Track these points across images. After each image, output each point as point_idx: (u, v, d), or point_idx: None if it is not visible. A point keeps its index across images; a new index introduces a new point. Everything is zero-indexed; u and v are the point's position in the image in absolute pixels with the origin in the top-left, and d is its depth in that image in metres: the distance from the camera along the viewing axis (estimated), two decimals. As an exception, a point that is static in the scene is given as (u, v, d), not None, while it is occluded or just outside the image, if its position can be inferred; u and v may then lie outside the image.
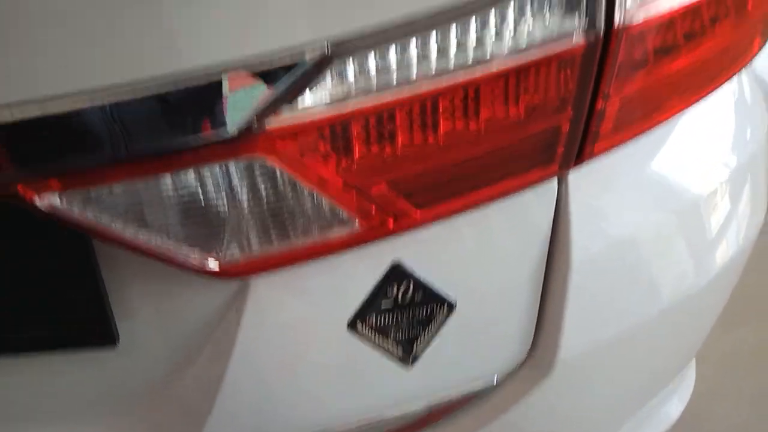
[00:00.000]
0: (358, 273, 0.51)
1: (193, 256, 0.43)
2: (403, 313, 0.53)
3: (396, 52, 0.38)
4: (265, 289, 0.49)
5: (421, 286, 0.52)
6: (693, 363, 0.88)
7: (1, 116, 0.31)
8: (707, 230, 0.68)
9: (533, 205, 0.54)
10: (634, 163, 0.60)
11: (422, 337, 0.54)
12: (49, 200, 0.36)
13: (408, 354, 0.54)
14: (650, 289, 0.60)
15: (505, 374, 0.59)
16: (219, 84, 0.35)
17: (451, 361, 0.55)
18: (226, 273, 0.45)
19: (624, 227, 0.59)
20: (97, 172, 0.36)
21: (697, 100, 0.59)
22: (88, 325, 0.46)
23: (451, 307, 0.53)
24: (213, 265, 0.44)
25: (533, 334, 0.58)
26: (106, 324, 0.46)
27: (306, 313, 0.50)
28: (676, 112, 0.57)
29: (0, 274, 0.46)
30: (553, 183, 0.53)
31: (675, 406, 0.86)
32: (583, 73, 0.46)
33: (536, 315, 0.57)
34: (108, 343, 0.47)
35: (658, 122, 0.55)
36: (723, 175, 0.68)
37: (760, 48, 0.66)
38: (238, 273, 0.45)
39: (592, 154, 0.52)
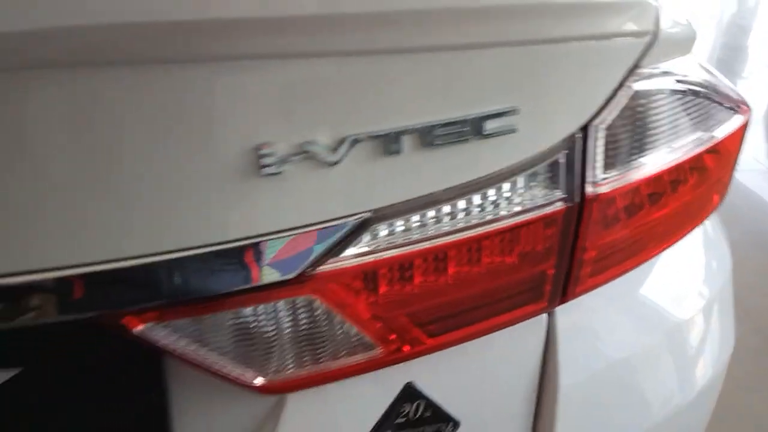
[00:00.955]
0: (376, 392, 0.59)
1: (245, 375, 0.52)
2: (415, 430, 0.60)
3: (417, 217, 0.50)
4: (298, 403, 0.57)
5: (430, 405, 0.60)
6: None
7: (123, 264, 0.42)
8: (687, 353, 0.76)
9: (526, 335, 0.63)
10: (614, 297, 0.70)
11: (431, 452, 0.61)
12: (144, 329, 0.46)
13: (417, 470, 0.60)
14: (638, 408, 0.68)
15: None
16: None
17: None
18: (269, 389, 0.53)
19: (609, 351, 0.68)
20: (183, 308, 0.46)
21: (666, 247, 0.70)
22: (147, 432, 0.54)
23: (456, 425, 0.61)
24: (259, 382, 0.52)
25: (529, 452, 0.65)
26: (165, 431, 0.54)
27: (331, 426, 0.58)
28: (648, 258, 0.68)
29: (74, 387, 0.54)
30: (544, 316, 0.62)
31: None
32: (564, 231, 0.57)
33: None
34: (162, 451, 0.54)
35: (632, 266, 0.66)
36: (698, 304, 0.78)
37: (719, 203, 0.78)
38: (278, 390, 0.54)
39: (575, 294, 0.62)
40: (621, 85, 0.56)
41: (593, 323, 0.69)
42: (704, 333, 0.80)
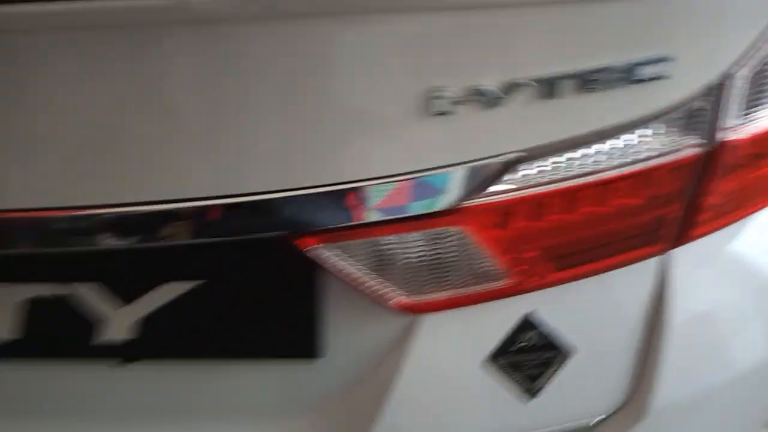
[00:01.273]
0: (498, 319, 0.64)
1: (390, 294, 0.58)
2: (531, 354, 0.66)
3: (559, 158, 0.53)
4: (429, 324, 0.63)
5: (547, 334, 0.65)
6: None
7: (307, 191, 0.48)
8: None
9: (642, 273, 0.67)
10: (722, 244, 0.73)
11: (543, 376, 0.66)
12: (313, 249, 0.52)
13: (530, 389, 0.66)
14: (741, 348, 0.71)
15: (602, 417, 0.70)
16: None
17: (561, 400, 0.67)
18: (408, 308, 0.59)
19: (714, 295, 0.71)
20: (348, 232, 0.52)
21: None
22: (302, 340, 0.61)
23: (568, 352, 0.66)
24: (401, 301, 0.59)
25: (632, 382, 0.69)
26: (317, 340, 0.61)
27: (457, 345, 0.64)
28: (762, 207, 0.70)
29: (238, 294, 0.61)
30: (661, 257, 0.66)
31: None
32: (692, 176, 0.59)
33: (636, 366, 0.69)
34: (315, 356, 0.62)
35: (747, 214, 0.68)
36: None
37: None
38: (415, 310, 0.60)
39: (691, 238, 0.65)
40: (762, 35, 0.57)
41: (702, 267, 0.72)
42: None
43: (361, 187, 0.49)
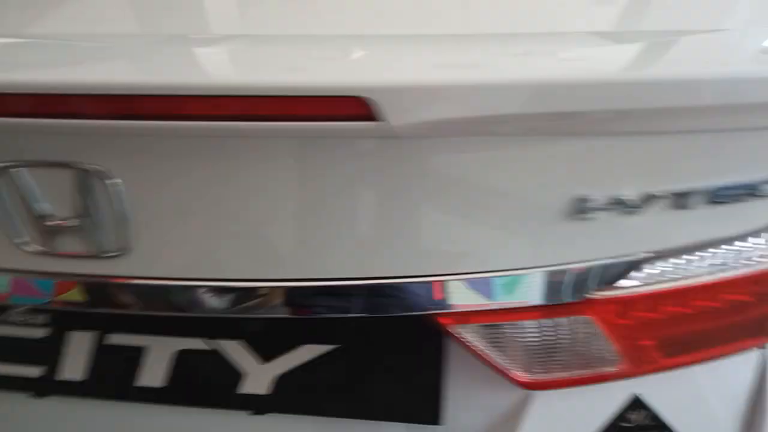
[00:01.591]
0: (609, 397, 0.69)
1: (516, 372, 0.63)
2: (636, 436, 0.69)
3: (682, 260, 0.59)
4: (544, 399, 0.68)
5: (653, 416, 0.69)
6: None
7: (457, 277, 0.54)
8: None
9: (742, 364, 0.71)
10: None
11: (647, 456, 0.70)
12: (455, 327, 0.58)
13: (633, 468, 0.70)
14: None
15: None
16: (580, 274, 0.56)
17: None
18: (529, 386, 0.64)
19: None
20: (487, 315, 0.58)
21: None
22: (425, 407, 0.67)
23: (670, 434, 0.70)
24: (525, 378, 0.64)
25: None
26: (435, 409, 0.66)
27: (567, 421, 0.69)
28: None
29: (369, 359, 0.67)
30: (763, 349, 0.69)
31: None
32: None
33: (737, 452, 0.72)
34: (436, 422, 0.67)
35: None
36: None
37: None
38: (536, 387, 0.65)
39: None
40: None
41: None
42: None
43: (506, 275, 0.55)
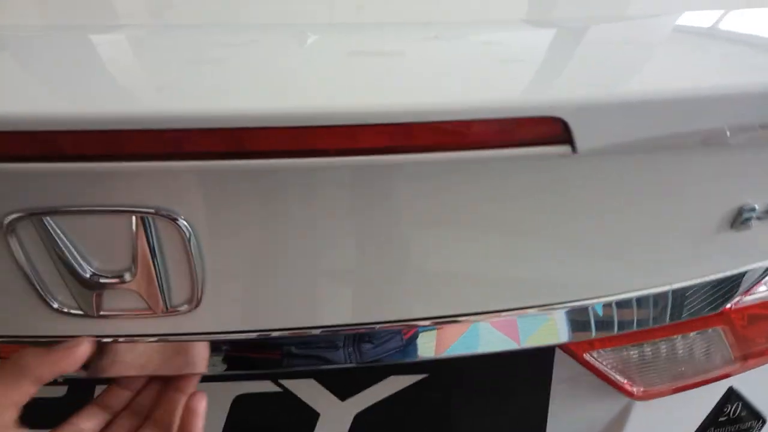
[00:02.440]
0: (705, 395, 0.65)
1: (629, 385, 0.58)
2: (731, 427, 0.67)
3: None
4: (644, 405, 0.63)
5: (746, 405, 0.67)
6: None
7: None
8: None
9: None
10: None
11: (742, 446, 0.68)
12: (590, 354, 0.52)
13: (730, 460, 0.68)
14: None
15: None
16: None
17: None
18: (641, 397, 0.60)
19: None
20: (616, 338, 0.52)
21: None
22: (526, 430, 0.61)
23: (765, 422, 0.68)
24: (639, 391, 0.59)
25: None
26: (541, 430, 0.61)
27: (668, 421, 0.65)
28: None
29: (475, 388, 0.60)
30: None
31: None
32: None
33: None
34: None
35: None
36: None
37: None
38: (647, 397, 0.60)
39: None
40: None
41: None
42: None
43: (656, 292, 0.49)
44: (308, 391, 0.60)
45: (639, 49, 0.47)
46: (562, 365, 0.59)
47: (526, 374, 0.60)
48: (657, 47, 0.47)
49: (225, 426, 0.61)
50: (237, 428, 0.61)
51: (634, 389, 0.59)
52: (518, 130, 0.34)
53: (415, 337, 0.50)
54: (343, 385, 0.60)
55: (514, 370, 0.59)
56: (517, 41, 0.48)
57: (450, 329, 0.49)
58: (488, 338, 0.50)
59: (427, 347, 0.50)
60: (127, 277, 0.43)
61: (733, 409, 0.67)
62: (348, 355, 0.50)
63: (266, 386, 0.59)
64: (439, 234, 0.43)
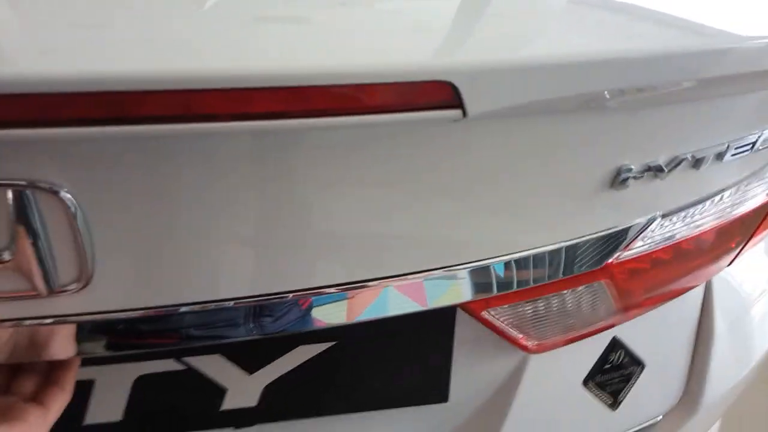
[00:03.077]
0: (594, 347, 0.71)
1: (524, 339, 0.62)
2: (615, 373, 0.73)
3: (682, 215, 0.60)
4: (538, 357, 0.68)
5: (628, 353, 0.73)
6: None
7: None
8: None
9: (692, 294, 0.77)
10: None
11: (624, 389, 0.74)
12: (486, 312, 0.54)
13: (614, 402, 0.74)
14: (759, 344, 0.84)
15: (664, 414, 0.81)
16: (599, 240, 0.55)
17: (636, 405, 0.76)
18: (535, 350, 0.64)
19: (749, 300, 0.83)
20: (514, 294, 0.55)
21: None
22: (431, 388, 0.63)
23: (643, 366, 0.75)
24: (531, 345, 0.63)
25: (685, 383, 0.80)
26: (445, 387, 0.63)
27: (560, 371, 0.70)
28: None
29: (381, 354, 0.62)
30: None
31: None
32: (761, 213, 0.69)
33: (688, 369, 0.79)
34: (441, 401, 0.64)
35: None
36: None
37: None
38: (542, 350, 0.64)
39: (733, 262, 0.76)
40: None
41: (739, 280, 0.84)
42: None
43: (541, 251, 0.52)
44: (214, 366, 0.59)
45: (530, 18, 0.50)
46: (463, 325, 0.61)
47: (430, 336, 0.62)
48: (545, 16, 0.49)
49: (127, 409, 0.58)
50: (140, 410, 0.59)
51: (529, 343, 0.62)
52: (410, 95, 0.35)
53: (323, 304, 0.50)
54: (250, 359, 0.59)
55: (418, 332, 0.61)
56: (419, 10, 0.49)
57: (358, 295, 0.50)
58: (396, 302, 0.51)
59: (337, 314, 0.51)
60: (6, 256, 0.40)
61: (616, 357, 0.73)
62: (251, 329, 0.49)
63: (169, 365, 0.58)
64: (340, 200, 0.43)
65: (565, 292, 0.58)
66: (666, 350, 0.77)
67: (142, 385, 0.58)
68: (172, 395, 0.60)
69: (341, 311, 0.50)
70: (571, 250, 0.54)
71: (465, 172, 0.44)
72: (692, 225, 0.62)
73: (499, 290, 0.53)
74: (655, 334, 0.76)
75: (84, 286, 0.43)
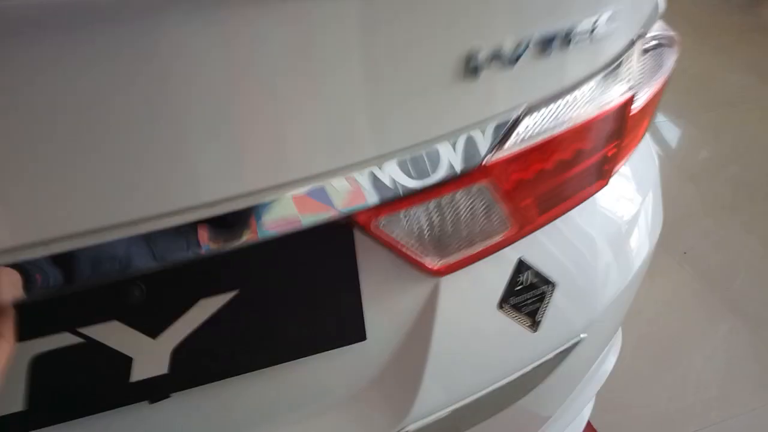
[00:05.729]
0: (498, 269, 0.73)
1: (427, 259, 0.63)
2: (527, 294, 0.75)
3: (552, 108, 0.63)
4: (448, 285, 0.69)
5: (536, 273, 0.75)
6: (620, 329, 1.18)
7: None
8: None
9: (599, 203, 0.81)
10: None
11: (539, 309, 0.76)
12: (374, 224, 0.56)
13: (533, 322, 0.76)
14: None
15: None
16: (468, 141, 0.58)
17: (557, 325, 0.78)
18: (439, 272, 0.65)
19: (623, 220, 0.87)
20: (397, 203, 0.57)
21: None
22: (347, 327, 0.63)
23: (554, 286, 0.77)
24: (435, 265, 0.64)
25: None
26: (360, 324, 0.64)
27: (472, 298, 0.71)
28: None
29: (278, 297, 0.61)
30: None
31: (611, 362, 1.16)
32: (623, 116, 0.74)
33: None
34: (359, 339, 0.64)
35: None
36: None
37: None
38: (444, 272, 0.66)
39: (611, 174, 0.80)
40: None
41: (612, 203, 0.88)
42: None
43: (408, 152, 0.54)
44: (114, 335, 0.57)
45: None
46: (364, 253, 0.62)
47: (333, 270, 0.62)
48: None
49: (28, 396, 0.56)
50: (43, 396, 0.56)
51: (432, 263, 0.64)
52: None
53: (215, 226, 0.50)
54: (149, 321, 0.58)
55: (320, 267, 0.62)
56: None
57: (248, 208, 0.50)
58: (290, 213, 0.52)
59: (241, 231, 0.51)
60: None
61: (525, 278, 0.75)
62: (154, 256, 0.49)
63: (65, 339, 0.56)
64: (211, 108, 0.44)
65: (448, 195, 0.60)
66: (575, 268, 0.80)
67: (40, 366, 0.55)
68: (75, 374, 0.57)
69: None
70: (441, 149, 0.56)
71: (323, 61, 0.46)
72: (560, 123, 0.66)
73: (381, 199, 0.55)
74: (562, 252, 0.79)
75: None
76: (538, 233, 0.75)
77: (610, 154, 0.76)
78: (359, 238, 0.60)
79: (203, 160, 0.46)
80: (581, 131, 0.68)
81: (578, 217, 0.81)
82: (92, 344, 0.56)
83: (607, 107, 0.69)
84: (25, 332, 0.53)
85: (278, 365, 0.63)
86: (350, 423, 0.67)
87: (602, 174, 0.77)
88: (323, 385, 0.66)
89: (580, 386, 1.00)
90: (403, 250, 0.61)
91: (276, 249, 0.59)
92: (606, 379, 1.16)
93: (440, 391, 0.70)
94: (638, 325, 1.77)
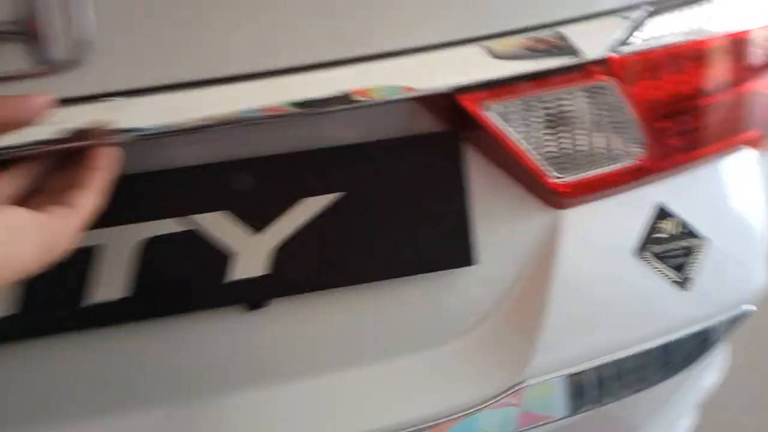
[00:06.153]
0: (634, 211, 0.64)
1: (545, 171, 0.57)
2: (673, 244, 0.64)
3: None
4: (575, 218, 0.61)
5: (683, 224, 0.65)
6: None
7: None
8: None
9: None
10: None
11: (689, 264, 0.65)
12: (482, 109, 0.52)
13: (683, 279, 0.64)
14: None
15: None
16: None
17: (712, 288, 0.65)
18: (560, 190, 0.58)
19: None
20: (511, 88, 0.53)
21: None
22: (452, 249, 0.58)
23: (707, 241, 0.65)
24: (556, 180, 0.57)
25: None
26: (466, 247, 0.57)
27: (603, 238, 0.62)
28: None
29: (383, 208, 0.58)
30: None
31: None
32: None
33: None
34: (465, 263, 0.58)
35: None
36: None
37: None
38: (566, 193, 0.58)
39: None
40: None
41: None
42: None
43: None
44: (220, 226, 0.56)
45: None
46: (475, 164, 0.58)
47: (440, 180, 0.58)
48: None
49: (129, 285, 0.55)
50: (147, 284, 0.56)
51: (553, 178, 0.57)
52: None
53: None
54: (255, 214, 0.56)
55: (429, 180, 0.57)
56: None
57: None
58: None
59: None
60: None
61: (669, 227, 0.65)
62: None
63: (171, 226, 0.56)
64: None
65: (568, 89, 0.55)
66: (732, 222, 0.68)
67: (144, 254, 0.55)
68: (176, 266, 0.57)
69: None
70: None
71: None
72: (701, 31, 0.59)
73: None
74: (714, 205, 0.67)
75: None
76: (683, 180, 0.65)
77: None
78: (472, 155, 0.57)
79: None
80: (729, 47, 0.60)
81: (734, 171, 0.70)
82: (197, 234, 0.56)
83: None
84: (132, 215, 0.54)
85: (383, 281, 0.58)
86: (463, 362, 0.59)
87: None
88: (431, 315, 0.60)
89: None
90: (514, 146, 0.55)
91: (383, 154, 0.57)
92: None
93: (563, 344, 0.60)
94: None
